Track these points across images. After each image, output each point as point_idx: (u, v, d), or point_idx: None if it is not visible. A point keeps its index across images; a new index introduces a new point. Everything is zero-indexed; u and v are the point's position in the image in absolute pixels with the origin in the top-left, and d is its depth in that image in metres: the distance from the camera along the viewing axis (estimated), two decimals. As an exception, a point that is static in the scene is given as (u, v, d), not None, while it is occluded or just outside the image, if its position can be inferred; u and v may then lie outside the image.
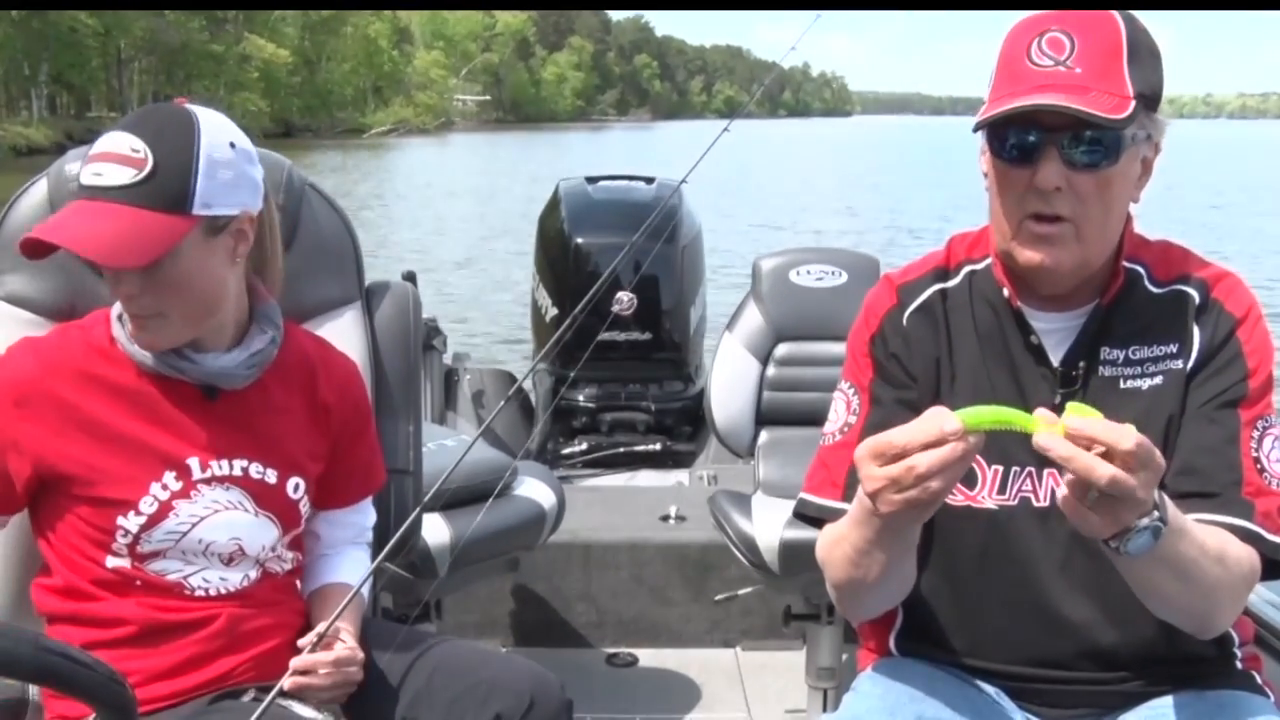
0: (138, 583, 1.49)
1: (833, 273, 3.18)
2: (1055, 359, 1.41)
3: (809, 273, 3.18)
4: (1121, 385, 1.39)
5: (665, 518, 3.34)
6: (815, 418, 3.29)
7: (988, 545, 1.42)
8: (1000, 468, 1.40)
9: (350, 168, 33.71)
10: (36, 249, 1.42)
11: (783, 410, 3.20)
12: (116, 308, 1.52)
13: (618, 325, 4.16)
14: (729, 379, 3.10)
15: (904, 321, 1.47)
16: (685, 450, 4.47)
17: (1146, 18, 1.38)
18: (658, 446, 4.42)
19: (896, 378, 1.45)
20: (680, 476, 4.21)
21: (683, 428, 4.56)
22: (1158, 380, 1.39)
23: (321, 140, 57.69)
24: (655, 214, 3.61)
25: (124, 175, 1.40)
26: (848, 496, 1.40)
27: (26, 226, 1.72)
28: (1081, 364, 1.40)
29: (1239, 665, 1.45)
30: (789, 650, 3.07)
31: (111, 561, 1.48)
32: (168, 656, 1.49)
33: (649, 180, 4.75)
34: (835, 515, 1.43)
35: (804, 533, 2.53)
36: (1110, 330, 1.41)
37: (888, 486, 1.15)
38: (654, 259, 4.20)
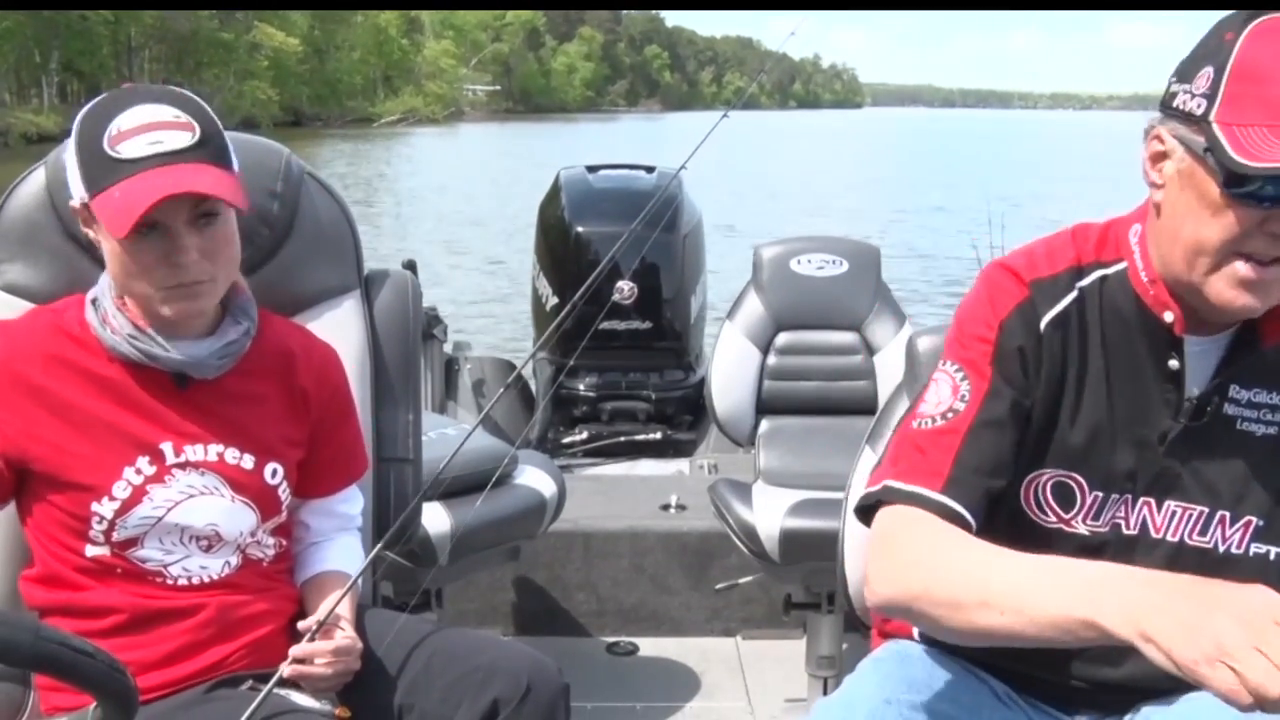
0: (119, 570, 1.48)
1: (833, 261, 3.16)
2: (1191, 388, 1.32)
3: (809, 261, 3.17)
4: (1237, 427, 1.32)
5: (666, 506, 3.33)
6: (816, 406, 3.33)
7: None
8: (1100, 494, 1.34)
9: (358, 157, 33.62)
10: (136, 214, 1.36)
11: (783, 399, 3.21)
12: (92, 292, 1.51)
13: (618, 314, 4.19)
14: (729, 368, 3.11)
15: (1040, 325, 1.34)
16: (686, 439, 4.48)
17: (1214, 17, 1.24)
18: (658, 435, 4.43)
19: (1017, 378, 1.32)
20: (681, 465, 4.22)
21: (683, 416, 4.57)
22: (1272, 430, 1.33)
23: (331, 130, 57.59)
24: (654, 201, 3.60)
25: (183, 139, 1.41)
26: (949, 491, 1.28)
27: (25, 215, 1.72)
28: (1215, 398, 1.32)
29: None
30: (789, 639, 3.07)
31: (91, 550, 1.48)
32: (160, 646, 1.48)
33: (649, 169, 4.75)
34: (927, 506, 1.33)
35: (804, 522, 2.57)
36: (1240, 367, 1.32)
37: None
38: (654, 247, 4.20)
